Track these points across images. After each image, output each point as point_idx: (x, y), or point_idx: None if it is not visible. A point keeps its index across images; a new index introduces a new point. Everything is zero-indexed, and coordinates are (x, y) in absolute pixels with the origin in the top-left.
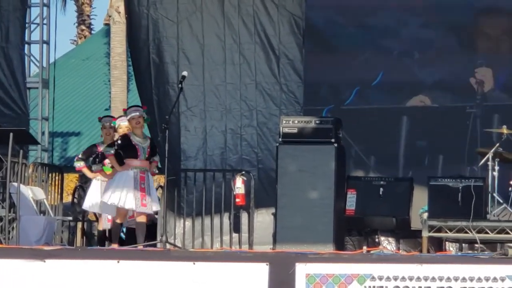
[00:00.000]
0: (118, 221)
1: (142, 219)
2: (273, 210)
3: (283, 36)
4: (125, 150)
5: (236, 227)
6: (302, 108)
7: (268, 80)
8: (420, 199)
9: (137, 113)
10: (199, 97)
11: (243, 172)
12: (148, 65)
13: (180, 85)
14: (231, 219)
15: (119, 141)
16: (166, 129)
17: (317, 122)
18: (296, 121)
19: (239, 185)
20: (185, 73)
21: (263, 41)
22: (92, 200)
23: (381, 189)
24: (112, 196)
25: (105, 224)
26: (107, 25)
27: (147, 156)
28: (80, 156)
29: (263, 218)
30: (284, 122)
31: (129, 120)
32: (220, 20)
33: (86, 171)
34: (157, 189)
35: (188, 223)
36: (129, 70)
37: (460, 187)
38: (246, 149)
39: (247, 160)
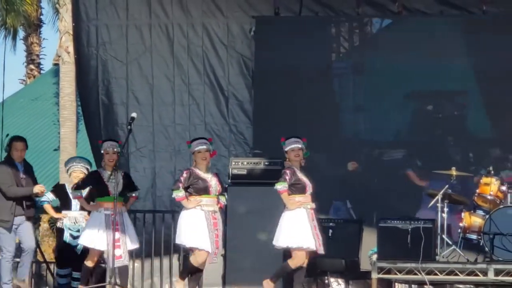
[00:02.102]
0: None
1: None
2: (222, 251)
3: (232, 77)
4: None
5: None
6: (251, 149)
7: (217, 121)
8: (369, 241)
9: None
10: (148, 138)
11: None
12: (97, 105)
13: (129, 126)
14: (180, 260)
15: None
16: (116, 171)
17: (266, 163)
18: (245, 162)
19: None
20: (134, 114)
21: (212, 82)
22: (92, 234)
23: (331, 231)
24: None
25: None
26: (57, 65)
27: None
28: (78, 184)
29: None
30: (233, 163)
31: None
32: (169, 61)
33: (82, 202)
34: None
35: (137, 264)
36: (79, 111)
37: (410, 229)
38: None
39: None
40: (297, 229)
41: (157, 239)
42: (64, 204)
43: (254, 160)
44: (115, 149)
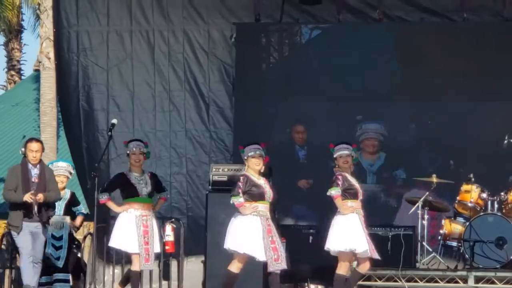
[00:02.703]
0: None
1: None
2: (202, 258)
3: (213, 84)
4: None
5: (165, 275)
6: (232, 155)
7: (197, 127)
8: None
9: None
10: None
11: (173, 220)
12: (77, 111)
13: (109, 133)
14: (160, 267)
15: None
16: (96, 177)
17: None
18: (225, 169)
19: (168, 232)
20: (114, 120)
21: (193, 89)
22: (122, 236)
23: (311, 237)
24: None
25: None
26: (37, 70)
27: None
28: (105, 187)
29: (193, 266)
30: (213, 170)
31: None
32: (150, 67)
33: (111, 205)
34: (86, 236)
35: (118, 270)
36: (59, 117)
37: (390, 236)
38: (175, 196)
39: (176, 208)
40: (350, 233)
41: None
42: None
43: (234, 167)
44: (142, 149)
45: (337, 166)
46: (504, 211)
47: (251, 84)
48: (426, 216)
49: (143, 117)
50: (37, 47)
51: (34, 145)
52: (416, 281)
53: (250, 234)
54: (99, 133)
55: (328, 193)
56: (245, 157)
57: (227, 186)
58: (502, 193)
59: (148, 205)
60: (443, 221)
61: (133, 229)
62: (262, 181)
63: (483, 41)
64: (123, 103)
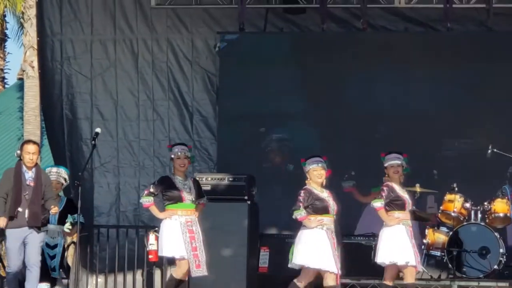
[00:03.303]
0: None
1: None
2: None
3: (197, 93)
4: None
5: (149, 284)
6: (215, 165)
7: (181, 136)
8: None
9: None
10: (113, 153)
11: (156, 229)
12: (61, 120)
13: (93, 142)
14: (144, 276)
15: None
16: (79, 186)
17: (230, 179)
18: (209, 178)
19: (152, 241)
20: (98, 129)
21: (177, 98)
22: (169, 243)
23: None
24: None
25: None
26: (21, 79)
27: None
28: (151, 190)
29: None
30: (197, 179)
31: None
32: (134, 76)
33: (154, 210)
34: (69, 245)
35: (101, 279)
36: (43, 125)
37: (373, 245)
38: None
39: None
40: (397, 245)
41: (120, 254)
42: None
43: (218, 176)
44: (186, 154)
45: (387, 175)
46: (487, 220)
47: (235, 93)
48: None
49: (126, 126)
50: (21, 56)
51: (31, 147)
52: None
53: (320, 248)
54: (83, 142)
55: (371, 205)
56: (307, 170)
57: (211, 195)
58: (486, 203)
59: (191, 211)
60: (426, 231)
61: (179, 236)
62: (325, 194)
63: (466, 49)
64: (107, 111)
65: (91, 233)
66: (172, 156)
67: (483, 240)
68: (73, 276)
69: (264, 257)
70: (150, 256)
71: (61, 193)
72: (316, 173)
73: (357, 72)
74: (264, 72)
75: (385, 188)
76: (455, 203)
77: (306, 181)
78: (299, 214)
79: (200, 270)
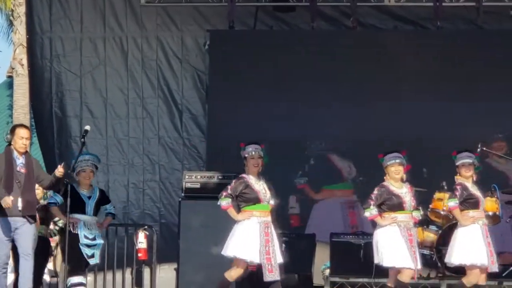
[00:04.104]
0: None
1: None
2: (175, 265)
3: (186, 91)
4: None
5: (138, 282)
6: (205, 163)
7: (170, 134)
8: (322, 255)
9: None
10: (102, 151)
11: (146, 227)
12: (50, 118)
13: (82, 139)
14: (133, 274)
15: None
16: (68, 184)
17: (219, 177)
18: (198, 176)
19: (141, 239)
20: (87, 127)
21: (166, 96)
22: (242, 244)
23: (284, 245)
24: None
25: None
26: (11, 77)
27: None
28: (229, 191)
29: (166, 274)
30: (186, 177)
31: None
32: (123, 74)
33: (232, 212)
34: (57, 244)
35: (90, 278)
36: (32, 123)
37: (362, 244)
38: (148, 203)
39: (149, 215)
40: (470, 246)
41: (109, 252)
42: (74, 208)
43: (207, 174)
44: (260, 153)
45: (458, 174)
46: None
47: (224, 91)
48: None
49: (116, 124)
50: (10, 54)
51: (23, 132)
52: None
53: (392, 245)
54: (72, 139)
55: (445, 205)
56: (384, 166)
57: (200, 193)
58: None
59: (267, 212)
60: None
61: (256, 238)
62: (404, 190)
63: (456, 47)
64: (96, 109)
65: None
66: (246, 155)
67: None
68: (62, 275)
69: None
70: (139, 255)
71: (94, 183)
72: (393, 169)
73: (346, 70)
74: (253, 70)
75: (458, 187)
76: (444, 201)
77: (385, 177)
78: (369, 213)
79: (273, 275)
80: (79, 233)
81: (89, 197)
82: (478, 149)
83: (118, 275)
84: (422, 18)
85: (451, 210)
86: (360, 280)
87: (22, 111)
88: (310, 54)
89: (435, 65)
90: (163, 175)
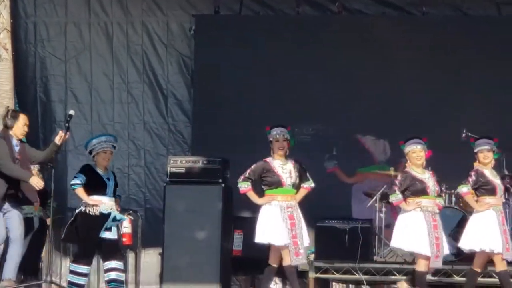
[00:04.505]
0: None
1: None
2: (160, 250)
3: (172, 76)
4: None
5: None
6: (190, 148)
7: (156, 120)
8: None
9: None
10: (87, 136)
11: (130, 212)
12: (35, 103)
13: (67, 124)
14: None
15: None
16: (53, 168)
17: (204, 162)
18: (183, 161)
19: (126, 224)
20: (72, 112)
21: (151, 81)
22: (268, 230)
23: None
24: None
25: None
26: None
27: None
28: (247, 175)
29: (150, 258)
30: (171, 162)
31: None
32: (108, 59)
33: (252, 195)
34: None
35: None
36: (17, 108)
37: (347, 229)
38: (133, 188)
39: (134, 200)
40: (484, 232)
41: None
42: (95, 188)
43: (192, 159)
44: (285, 136)
45: (477, 161)
46: (461, 204)
47: (210, 76)
48: (383, 209)
49: (101, 109)
50: None
51: (26, 119)
52: (373, 274)
53: (415, 230)
54: (57, 124)
55: (457, 190)
56: (406, 152)
57: (185, 178)
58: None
59: (292, 196)
60: None
61: (279, 222)
62: (426, 175)
63: (441, 33)
64: (81, 94)
65: (65, 216)
66: (271, 138)
67: (456, 223)
68: (46, 260)
69: (238, 240)
70: (124, 239)
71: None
72: (415, 155)
73: (332, 56)
74: (238, 55)
75: (473, 174)
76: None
77: (406, 164)
78: (395, 198)
79: (300, 258)
80: (99, 215)
81: (108, 179)
82: (463, 134)
83: None
84: (408, 3)
85: (463, 196)
86: (345, 265)
87: (6, 95)
88: (297, 39)
89: (419, 51)
90: (148, 160)
